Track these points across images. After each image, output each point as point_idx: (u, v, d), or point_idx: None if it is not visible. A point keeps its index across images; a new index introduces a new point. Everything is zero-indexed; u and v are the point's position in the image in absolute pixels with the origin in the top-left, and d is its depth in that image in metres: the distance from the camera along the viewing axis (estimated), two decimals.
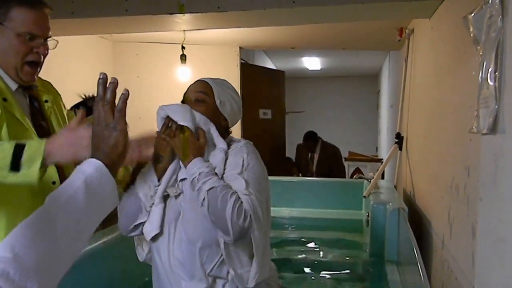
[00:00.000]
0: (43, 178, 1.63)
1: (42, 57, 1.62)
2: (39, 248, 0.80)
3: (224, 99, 1.58)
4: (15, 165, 1.36)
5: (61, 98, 1.88)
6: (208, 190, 1.37)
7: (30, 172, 1.38)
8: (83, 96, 2.54)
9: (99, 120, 1.05)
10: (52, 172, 1.65)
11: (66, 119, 1.83)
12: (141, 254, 1.60)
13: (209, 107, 1.55)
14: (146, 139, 1.53)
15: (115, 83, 1.07)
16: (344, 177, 5.74)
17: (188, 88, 1.61)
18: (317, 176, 5.56)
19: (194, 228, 1.43)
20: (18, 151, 1.37)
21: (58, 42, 1.67)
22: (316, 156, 5.65)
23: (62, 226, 0.85)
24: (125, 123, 1.07)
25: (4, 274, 0.74)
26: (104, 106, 1.05)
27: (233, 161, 1.48)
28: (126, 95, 1.06)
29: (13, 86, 1.61)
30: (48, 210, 0.86)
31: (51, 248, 0.82)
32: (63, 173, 1.70)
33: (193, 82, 1.63)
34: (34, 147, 1.39)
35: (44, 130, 1.67)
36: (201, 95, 1.55)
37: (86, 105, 2.46)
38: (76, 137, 1.38)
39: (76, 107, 2.49)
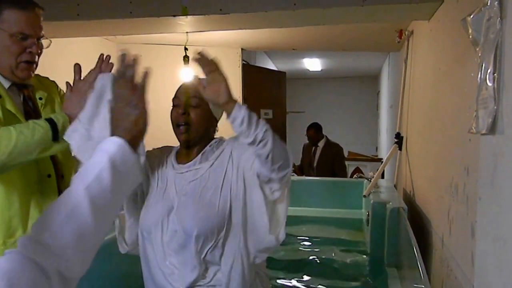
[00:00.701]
0: (38, 171, 1.67)
1: (36, 56, 1.65)
2: (73, 226, 0.82)
3: None
4: (56, 136, 1.52)
5: (57, 87, 1.92)
6: (265, 126, 1.38)
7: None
8: None
9: (119, 97, 1.05)
10: (47, 165, 1.69)
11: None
12: (124, 246, 1.62)
13: (204, 111, 1.54)
14: None
15: (136, 60, 1.08)
16: (345, 177, 5.75)
17: (178, 90, 1.58)
18: (317, 172, 5.57)
19: (189, 219, 1.47)
20: (53, 124, 1.51)
21: (51, 41, 1.70)
22: (318, 151, 5.65)
23: (92, 205, 0.85)
24: (146, 101, 1.07)
25: (41, 252, 0.77)
26: (125, 83, 1.06)
27: (238, 152, 1.53)
28: (148, 73, 1.07)
29: (6, 84, 1.65)
30: (76, 190, 0.87)
31: (83, 226, 0.84)
32: (58, 166, 1.74)
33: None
34: (60, 118, 1.54)
35: None
36: (196, 100, 1.53)
37: None
38: (80, 93, 1.55)
39: None
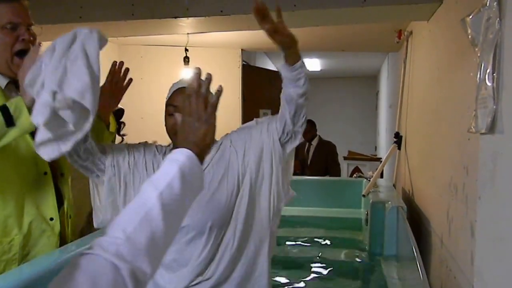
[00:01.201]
0: (36, 169, 1.67)
1: (30, 45, 1.66)
2: (147, 231, 0.87)
3: None
4: (9, 120, 1.46)
5: None
6: None
7: (23, 120, 1.47)
8: None
9: (191, 112, 1.12)
10: (43, 163, 1.71)
11: None
12: (98, 221, 1.58)
13: None
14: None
15: (210, 78, 1.15)
16: (339, 174, 5.74)
17: (174, 97, 1.54)
18: (311, 171, 5.58)
19: (201, 213, 1.48)
20: (3, 109, 1.46)
21: (42, 28, 1.72)
22: (312, 149, 5.67)
23: (163, 211, 0.90)
24: (215, 117, 1.14)
25: (119, 254, 0.80)
26: (198, 98, 1.12)
27: (239, 138, 1.59)
28: (221, 91, 1.16)
29: (3, 82, 1.66)
30: (149, 197, 0.92)
31: (156, 231, 0.88)
32: (55, 164, 1.75)
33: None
34: (14, 101, 1.49)
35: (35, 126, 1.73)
36: None
37: None
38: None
39: None
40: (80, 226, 2.41)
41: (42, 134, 1.34)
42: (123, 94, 1.84)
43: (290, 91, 1.48)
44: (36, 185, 1.70)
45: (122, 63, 1.77)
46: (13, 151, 1.63)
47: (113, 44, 5.07)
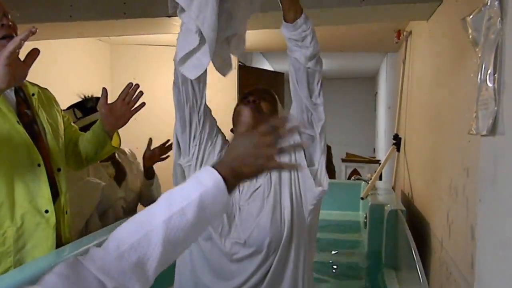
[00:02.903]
0: (29, 160, 1.68)
1: (11, 30, 1.66)
2: (140, 252, 0.83)
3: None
4: None
5: (55, 100, 1.99)
6: None
7: None
8: (82, 96, 2.55)
9: (257, 142, 0.97)
10: (36, 155, 1.72)
11: (58, 116, 1.93)
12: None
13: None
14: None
15: (295, 129, 1.06)
16: (334, 177, 5.72)
17: (253, 90, 1.52)
18: None
19: (258, 229, 1.37)
20: None
21: (18, 14, 1.74)
22: None
23: (164, 238, 0.85)
24: (271, 166, 0.99)
25: (106, 270, 0.79)
26: (268, 136, 0.97)
27: None
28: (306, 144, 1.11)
29: None
30: (157, 216, 0.87)
31: (149, 256, 0.84)
32: (48, 156, 1.76)
33: None
34: None
35: (28, 118, 1.76)
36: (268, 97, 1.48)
37: (85, 105, 2.48)
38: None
39: (75, 106, 2.51)
40: (79, 228, 2.40)
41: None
42: (133, 115, 2.02)
43: (297, 55, 1.29)
44: (29, 177, 1.70)
45: (137, 85, 1.94)
46: (5, 141, 1.62)
47: (105, 44, 5.04)
